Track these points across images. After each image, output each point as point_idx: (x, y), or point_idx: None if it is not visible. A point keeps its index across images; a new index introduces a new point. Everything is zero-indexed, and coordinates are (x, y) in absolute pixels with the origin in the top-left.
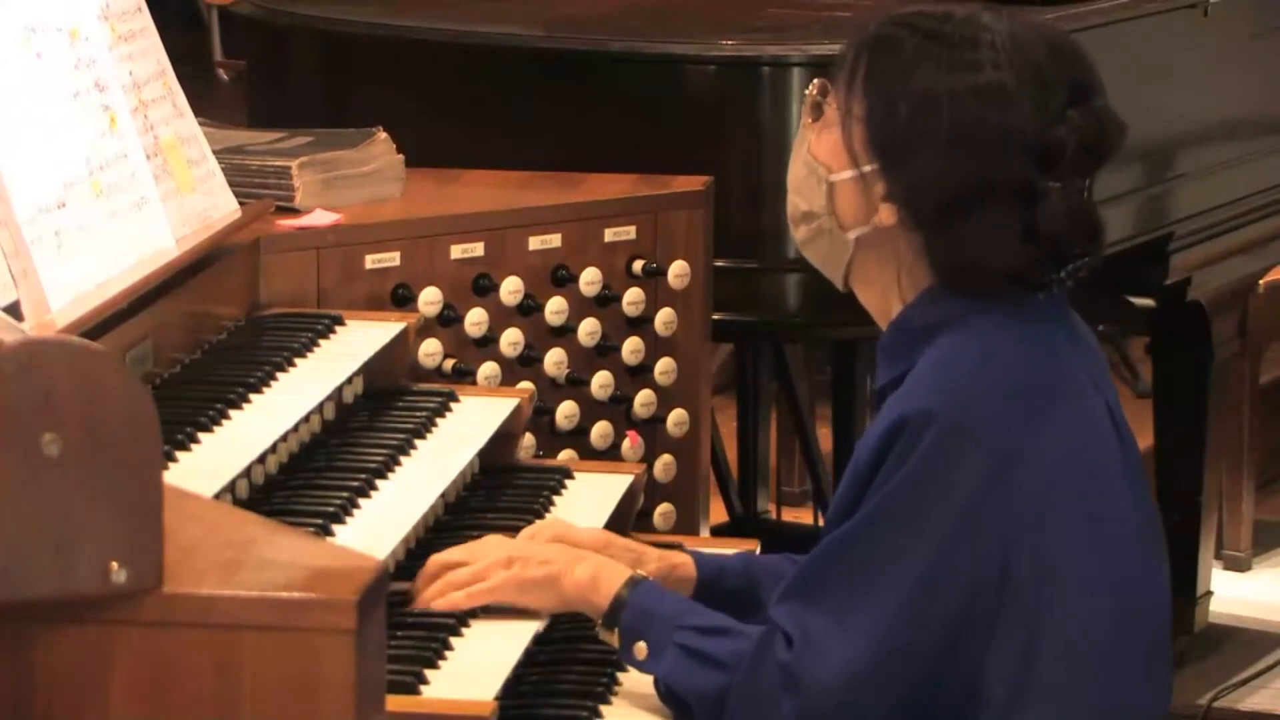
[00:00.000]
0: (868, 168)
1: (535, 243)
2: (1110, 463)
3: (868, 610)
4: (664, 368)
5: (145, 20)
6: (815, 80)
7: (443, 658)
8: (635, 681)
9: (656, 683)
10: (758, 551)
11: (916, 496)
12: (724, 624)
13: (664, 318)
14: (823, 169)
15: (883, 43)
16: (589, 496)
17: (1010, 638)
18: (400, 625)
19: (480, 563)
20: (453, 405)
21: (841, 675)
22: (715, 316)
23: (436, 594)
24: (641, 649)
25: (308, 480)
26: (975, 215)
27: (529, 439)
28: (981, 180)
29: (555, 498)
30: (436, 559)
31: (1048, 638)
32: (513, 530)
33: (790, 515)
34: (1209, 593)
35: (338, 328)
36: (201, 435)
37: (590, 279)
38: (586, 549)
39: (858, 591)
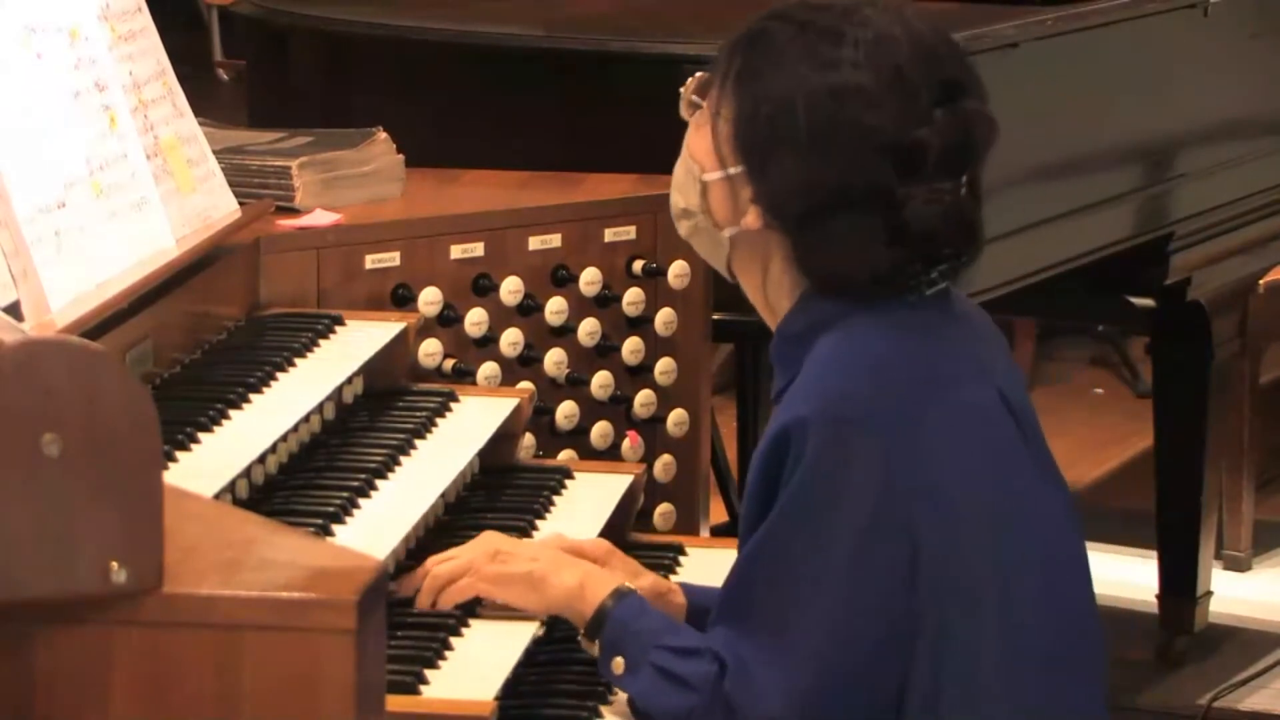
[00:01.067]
0: (734, 170)
1: (535, 243)
2: (1004, 449)
3: (795, 630)
4: (664, 368)
5: (145, 20)
6: (694, 75)
7: (443, 658)
8: None
9: (630, 700)
10: None
11: (815, 505)
12: (700, 645)
13: (664, 318)
14: (696, 168)
15: (755, 39)
16: (589, 496)
17: (928, 632)
18: (400, 625)
19: (466, 556)
20: (453, 405)
21: (781, 703)
22: (715, 316)
23: (421, 589)
24: (619, 664)
25: (308, 480)
26: (837, 219)
27: (529, 439)
28: (840, 183)
29: (555, 498)
30: (431, 561)
31: (962, 629)
32: (513, 530)
33: None
34: (1209, 593)
35: (338, 328)
36: (201, 435)
37: (590, 279)
38: (589, 558)
39: (782, 611)
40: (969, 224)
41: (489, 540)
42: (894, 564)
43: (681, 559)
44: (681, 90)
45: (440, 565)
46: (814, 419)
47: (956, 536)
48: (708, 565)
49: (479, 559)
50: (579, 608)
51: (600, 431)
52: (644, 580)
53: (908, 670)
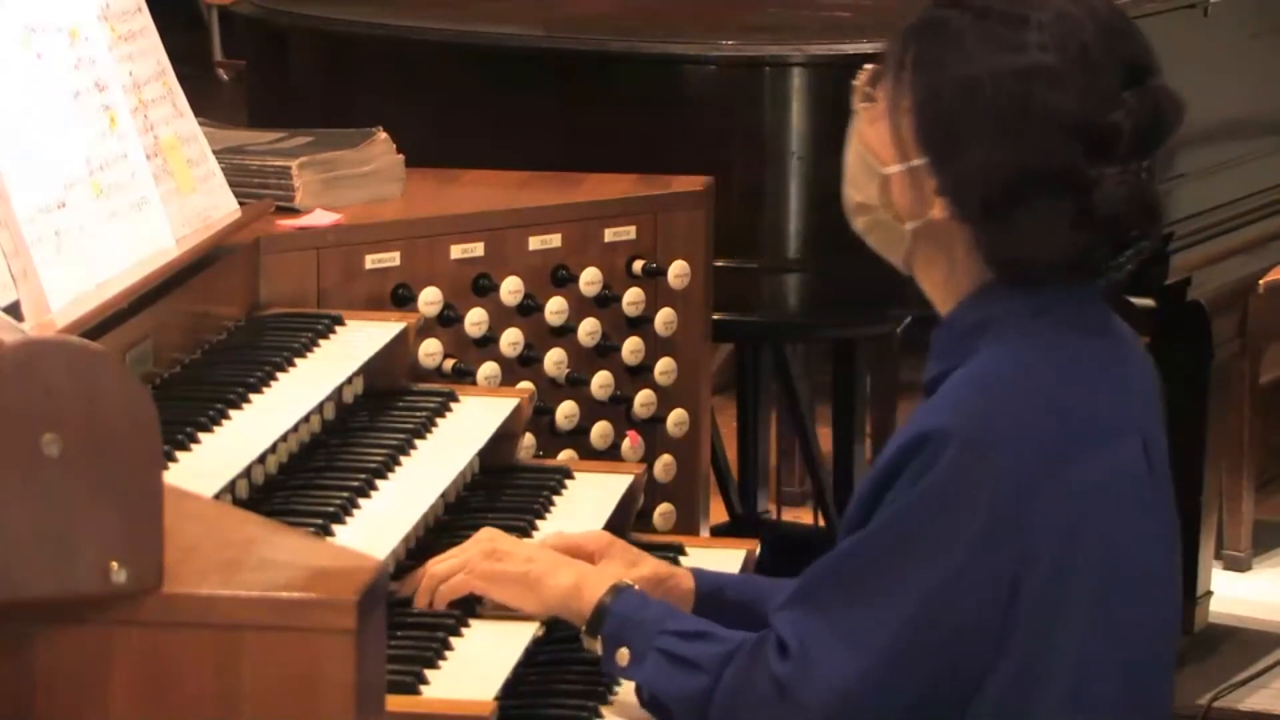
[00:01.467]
0: (917, 161)
1: (535, 243)
2: (1135, 510)
3: (869, 628)
4: (664, 368)
5: (145, 20)
6: (866, 66)
7: (443, 658)
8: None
9: (639, 689)
10: (757, 551)
11: (930, 516)
12: (705, 628)
13: (664, 318)
14: (875, 161)
15: (929, 26)
16: (589, 496)
17: (1007, 672)
18: (400, 625)
19: (462, 554)
20: (453, 405)
21: (833, 694)
22: (715, 316)
23: (419, 588)
24: (624, 655)
25: (308, 480)
26: (1026, 205)
27: (529, 439)
28: (1030, 168)
29: (555, 498)
30: (431, 562)
31: (1044, 679)
32: (513, 530)
33: (790, 515)
34: (1209, 593)
35: (338, 328)
36: (201, 435)
37: (590, 279)
38: (588, 551)
39: (860, 607)
40: (1152, 206)
41: (487, 537)
42: (985, 594)
43: (681, 559)
44: (854, 83)
45: (438, 565)
46: (958, 433)
47: (1058, 586)
48: (707, 565)
49: (475, 556)
50: (576, 607)
51: (600, 431)
52: (644, 569)
53: (974, 696)
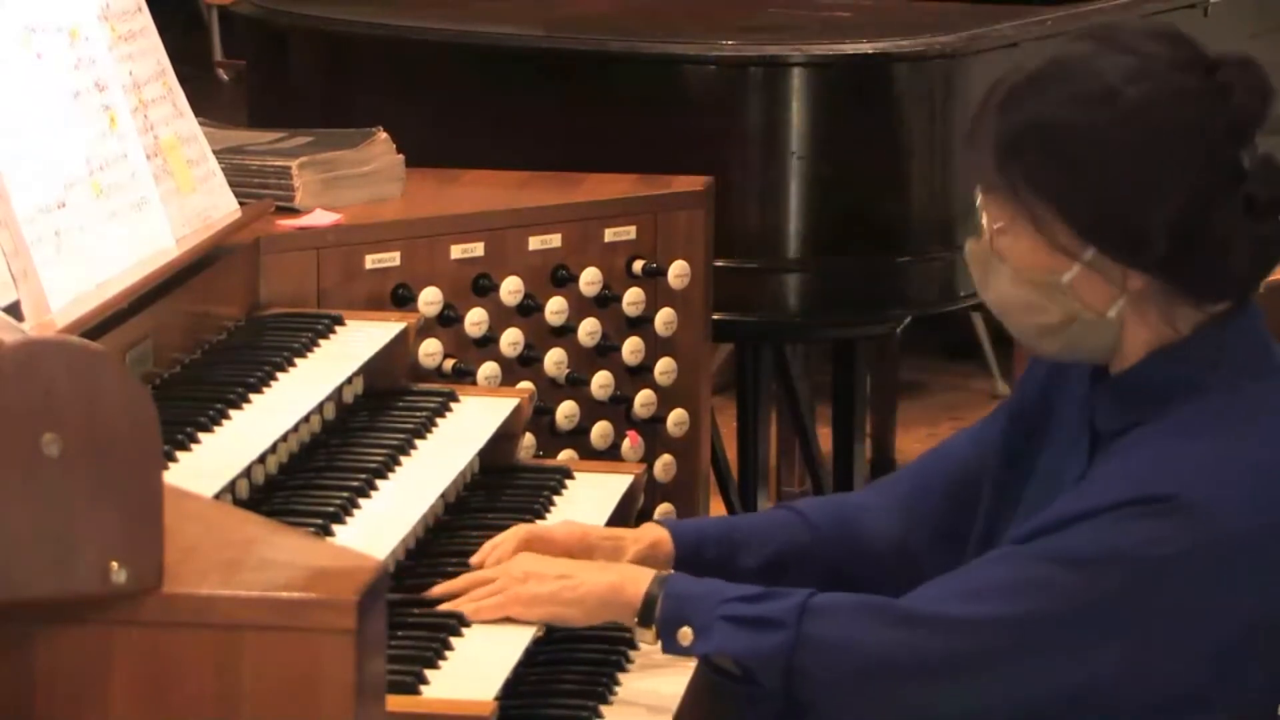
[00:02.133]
0: (1089, 254)
1: (535, 243)
2: None
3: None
4: (664, 368)
5: (145, 20)
6: (980, 208)
7: (443, 658)
8: (635, 682)
9: (705, 661)
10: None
11: (1126, 581)
12: (763, 590)
13: (664, 318)
14: (1046, 275)
15: (1028, 133)
16: (589, 496)
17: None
18: (400, 625)
19: (500, 579)
20: (453, 405)
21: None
22: (715, 316)
23: (464, 600)
24: (686, 634)
25: (308, 480)
26: (1204, 226)
27: (529, 439)
28: (1189, 192)
29: (555, 498)
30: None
31: None
32: None
33: None
34: None
35: (338, 328)
36: (201, 435)
37: (590, 279)
38: (561, 544)
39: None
40: None
41: (519, 563)
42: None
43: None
44: (983, 227)
45: (476, 585)
46: (1190, 512)
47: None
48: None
49: (509, 582)
50: (622, 602)
51: (600, 431)
52: (631, 548)
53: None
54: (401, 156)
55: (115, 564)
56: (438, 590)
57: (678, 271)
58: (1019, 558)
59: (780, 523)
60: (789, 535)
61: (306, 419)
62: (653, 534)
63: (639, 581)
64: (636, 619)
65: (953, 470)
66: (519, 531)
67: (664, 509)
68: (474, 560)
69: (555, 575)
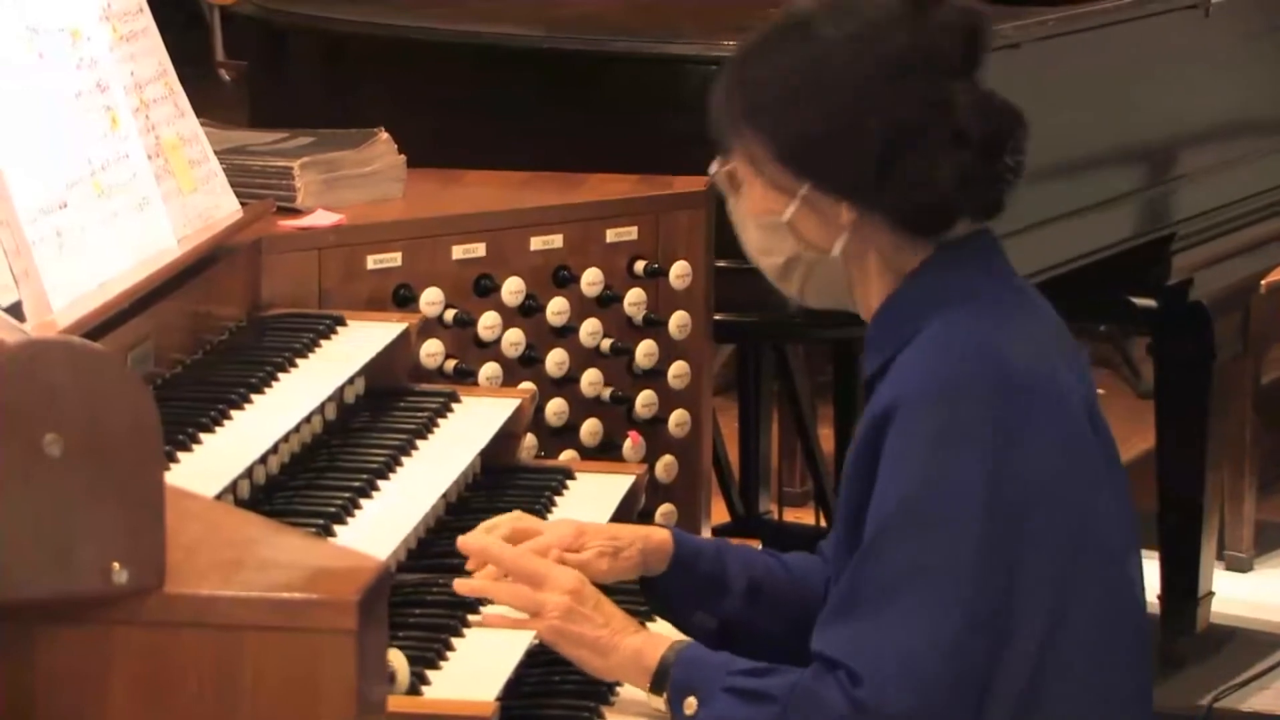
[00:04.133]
0: (803, 190)
1: (537, 243)
2: (1093, 459)
3: (928, 618)
4: (677, 370)
5: (146, 20)
6: (713, 162)
7: (444, 658)
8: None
9: None
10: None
11: (931, 481)
12: (768, 665)
13: (678, 320)
14: (772, 217)
15: (737, 83)
16: (590, 497)
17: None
18: (401, 625)
19: (549, 589)
20: (454, 406)
21: (915, 692)
22: (717, 317)
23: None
24: (691, 704)
25: (309, 480)
26: (906, 154)
27: (530, 439)
28: (890, 122)
29: (557, 498)
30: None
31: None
32: None
33: (792, 515)
34: (1210, 593)
35: (339, 328)
36: (203, 435)
37: (592, 279)
38: (554, 542)
39: (907, 599)
40: (1008, 104)
41: (572, 590)
42: (1006, 528)
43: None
44: (712, 177)
45: (520, 592)
46: (933, 394)
47: (1041, 543)
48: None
49: (553, 608)
50: (640, 666)
51: (601, 431)
52: (629, 544)
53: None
54: (403, 157)
55: (116, 564)
56: (474, 590)
57: (679, 272)
58: (872, 570)
59: (763, 560)
60: (766, 569)
61: (308, 419)
62: (655, 531)
63: (658, 646)
64: (650, 685)
65: None
66: (514, 518)
67: (665, 509)
68: (465, 539)
69: (599, 623)
